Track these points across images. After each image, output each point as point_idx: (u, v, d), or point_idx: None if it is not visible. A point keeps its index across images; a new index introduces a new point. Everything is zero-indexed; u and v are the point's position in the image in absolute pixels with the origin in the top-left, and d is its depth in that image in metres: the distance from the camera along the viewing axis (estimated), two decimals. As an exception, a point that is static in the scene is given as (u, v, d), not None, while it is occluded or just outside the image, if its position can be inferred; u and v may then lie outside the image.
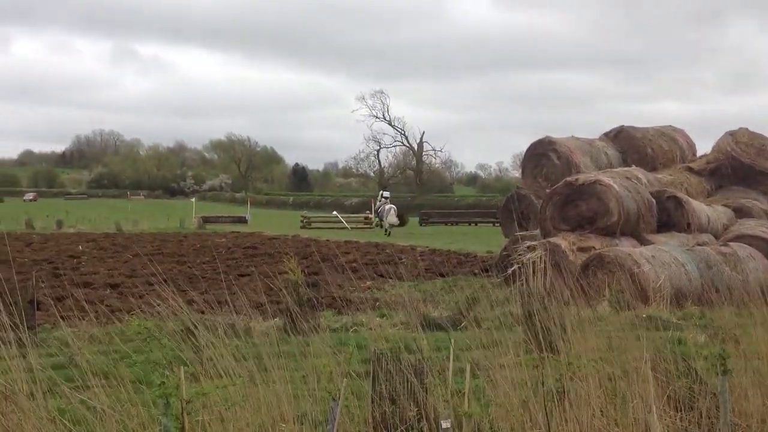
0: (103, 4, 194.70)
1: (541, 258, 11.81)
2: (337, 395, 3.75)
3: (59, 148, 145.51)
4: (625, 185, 15.05)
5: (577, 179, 15.04)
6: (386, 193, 43.54)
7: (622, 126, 18.41)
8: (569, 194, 14.92)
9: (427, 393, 4.45)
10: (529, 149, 17.34)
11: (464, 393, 4.77)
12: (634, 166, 16.74)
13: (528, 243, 14.21)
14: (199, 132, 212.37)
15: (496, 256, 16.93)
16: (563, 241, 14.21)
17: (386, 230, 37.34)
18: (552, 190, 15.26)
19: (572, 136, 17.70)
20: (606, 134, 18.35)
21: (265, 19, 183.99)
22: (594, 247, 14.09)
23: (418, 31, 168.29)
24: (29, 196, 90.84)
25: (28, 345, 4.40)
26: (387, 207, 38.61)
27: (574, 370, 4.36)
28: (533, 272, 10.64)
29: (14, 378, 3.95)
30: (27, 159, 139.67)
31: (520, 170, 18.81)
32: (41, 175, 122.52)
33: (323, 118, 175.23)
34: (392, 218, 37.87)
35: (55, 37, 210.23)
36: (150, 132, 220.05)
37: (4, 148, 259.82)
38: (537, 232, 15.28)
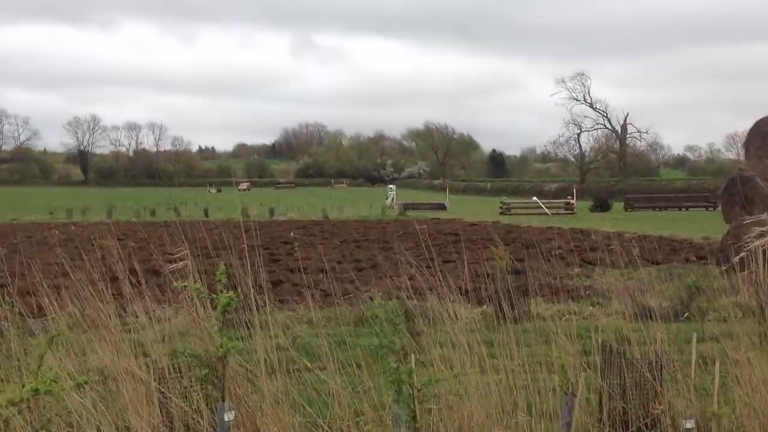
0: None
1: (772, 245, 10.81)
2: (570, 388, 3.54)
3: (268, 140, 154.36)
4: None
5: (811, 158, 13.67)
6: (392, 186, 61.41)
7: None
8: (802, 175, 13.60)
9: (663, 389, 4.12)
10: (754, 127, 15.94)
11: (704, 389, 4.38)
12: None
13: (757, 229, 13.09)
14: (377, 120, 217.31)
15: (716, 243, 15.78)
16: (796, 227, 12.96)
17: (390, 207, 48.88)
18: (782, 171, 13.98)
19: (804, 112, 16.11)
20: (843, 109, 16.55)
21: (440, 5, 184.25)
22: (833, 233, 12.74)
23: (604, 8, 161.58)
24: (243, 185, 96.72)
25: (270, 326, 4.54)
26: (391, 194, 54.70)
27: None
28: (764, 261, 9.76)
29: (249, 360, 4.08)
30: (241, 151, 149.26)
31: (743, 150, 17.36)
32: (253, 166, 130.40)
33: (510, 102, 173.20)
34: (391, 201, 51.85)
35: (240, 32, 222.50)
36: (337, 122, 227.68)
37: (221, 141, 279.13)
38: (765, 216, 14.05)
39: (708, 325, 7.73)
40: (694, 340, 4.18)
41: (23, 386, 2.54)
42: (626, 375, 4.16)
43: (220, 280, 3.29)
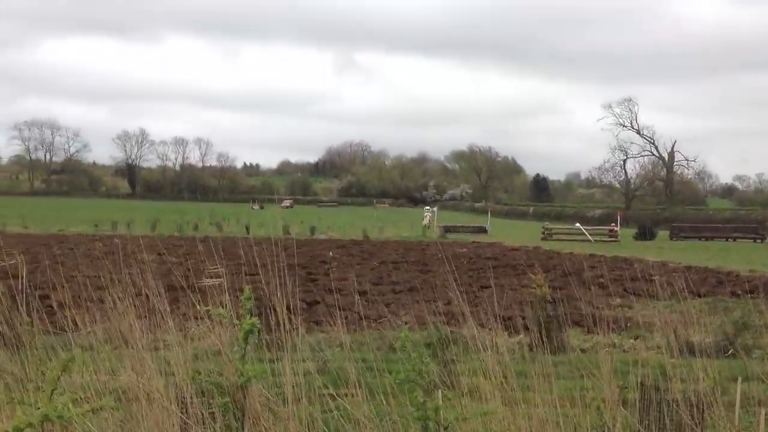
0: (322, 17, 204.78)
1: (822, 281, 10.44)
2: (607, 429, 3.38)
3: (312, 158, 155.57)
4: None
5: None
6: (428, 207, 65.10)
7: None
8: None
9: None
10: (805, 159, 15.52)
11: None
12: None
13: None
14: (420, 140, 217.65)
15: (764, 277, 15.34)
16: None
17: (428, 227, 49.24)
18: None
19: None
20: None
21: (482, 26, 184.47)
22: None
23: (645, 33, 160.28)
24: (286, 203, 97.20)
25: (299, 349, 4.45)
26: (428, 215, 56.34)
27: None
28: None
29: (276, 383, 3.99)
30: (285, 169, 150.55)
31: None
32: (297, 183, 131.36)
33: (555, 126, 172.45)
34: (427, 222, 53.37)
35: (284, 50, 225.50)
36: (379, 141, 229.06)
37: (266, 158, 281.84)
38: (815, 251, 13.60)
39: (753, 363, 7.45)
40: (739, 383, 3.97)
41: (37, 409, 2.48)
42: (665, 416, 3.97)
43: (244, 305, 3.21)
